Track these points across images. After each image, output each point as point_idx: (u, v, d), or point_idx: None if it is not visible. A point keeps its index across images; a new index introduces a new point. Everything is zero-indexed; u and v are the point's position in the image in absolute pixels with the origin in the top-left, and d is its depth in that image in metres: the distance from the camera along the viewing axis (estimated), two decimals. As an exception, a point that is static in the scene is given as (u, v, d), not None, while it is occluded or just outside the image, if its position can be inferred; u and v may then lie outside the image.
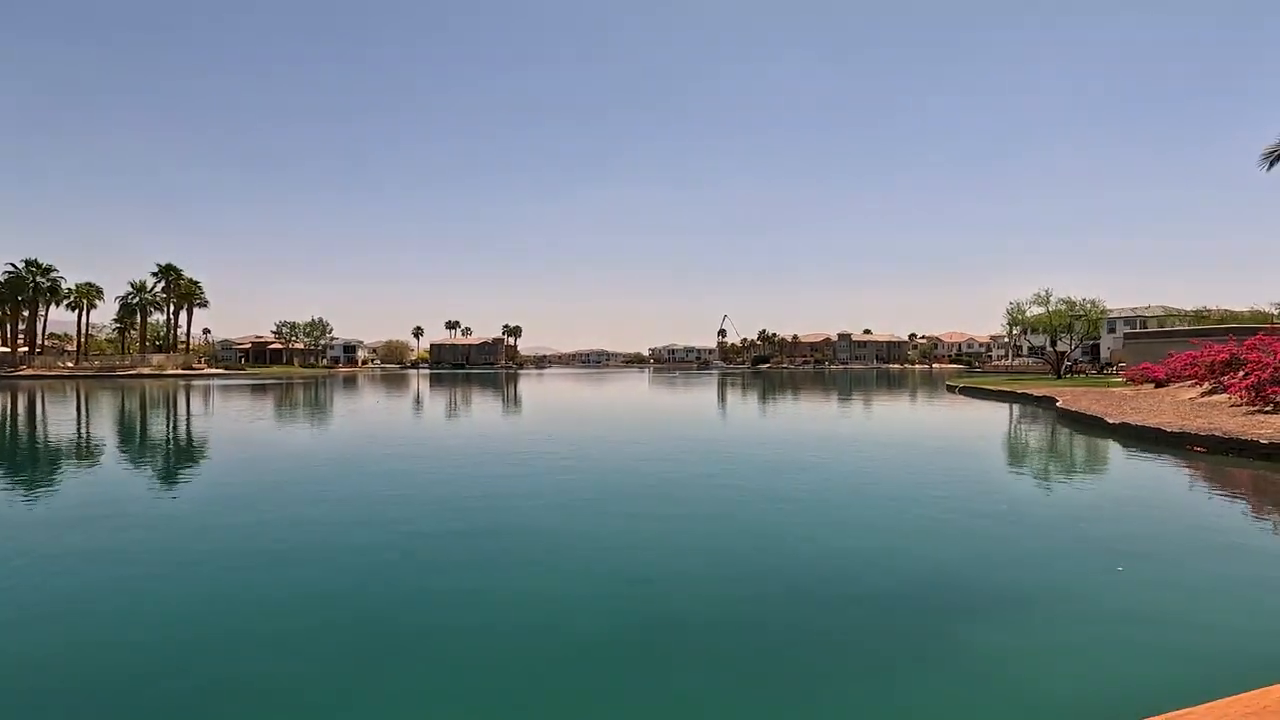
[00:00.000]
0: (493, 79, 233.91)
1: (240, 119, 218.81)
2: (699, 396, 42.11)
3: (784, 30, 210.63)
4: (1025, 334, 62.85)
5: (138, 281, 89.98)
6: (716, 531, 8.31)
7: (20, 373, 68.93)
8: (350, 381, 66.94)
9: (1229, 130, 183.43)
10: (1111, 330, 69.18)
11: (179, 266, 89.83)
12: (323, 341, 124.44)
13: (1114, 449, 15.28)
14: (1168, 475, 12.31)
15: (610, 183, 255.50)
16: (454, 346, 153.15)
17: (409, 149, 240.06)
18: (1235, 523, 8.75)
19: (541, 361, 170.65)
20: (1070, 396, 26.31)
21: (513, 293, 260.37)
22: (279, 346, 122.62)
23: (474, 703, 4.18)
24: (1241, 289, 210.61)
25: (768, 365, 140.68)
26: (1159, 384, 27.75)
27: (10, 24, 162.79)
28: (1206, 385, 22.25)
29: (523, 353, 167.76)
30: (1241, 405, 17.75)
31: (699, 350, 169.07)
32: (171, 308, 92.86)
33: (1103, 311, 51.57)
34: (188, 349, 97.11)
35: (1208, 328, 37.19)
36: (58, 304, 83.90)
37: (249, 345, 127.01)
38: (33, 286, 78.86)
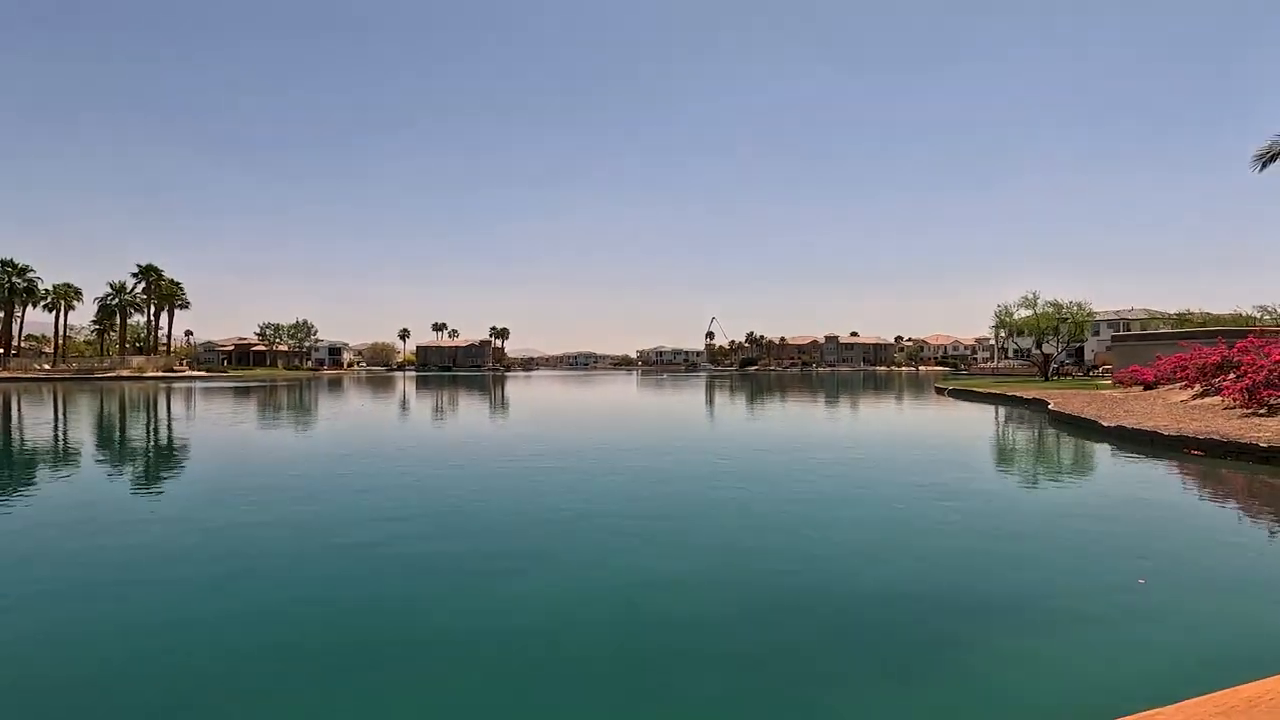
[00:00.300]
0: (483, 81, 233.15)
1: (225, 119, 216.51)
2: (688, 399, 41.83)
3: (776, 35, 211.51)
4: (1012, 336, 63.20)
5: (117, 283, 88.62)
6: (716, 538, 7.99)
7: (-5, 375, 67.43)
8: (335, 384, 66.10)
9: (1213, 132, 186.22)
10: (1095, 333, 69.78)
11: (159, 267, 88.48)
12: (307, 344, 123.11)
13: (1111, 453, 15.12)
14: (1170, 480, 12.16)
15: (599, 185, 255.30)
16: (440, 349, 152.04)
17: (398, 150, 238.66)
18: (1247, 529, 8.55)
19: (529, 364, 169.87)
20: (1061, 399, 26.28)
21: (500, 295, 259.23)
22: (263, 348, 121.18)
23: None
24: (1222, 291, 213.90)
25: (755, 368, 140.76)
26: (1148, 386, 27.82)
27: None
28: (1198, 388, 22.26)
29: (510, 355, 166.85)
30: (1235, 408, 17.71)
31: (687, 353, 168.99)
32: (152, 309, 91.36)
33: (1089, 314, 51.87)
34: (168, 351, 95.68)
35: (1196, 330, 37.43)
36: (34, 305, 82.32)
37: (232, 347, 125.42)
38: (8, 287, 77.22)
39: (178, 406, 33.62)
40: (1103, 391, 30.32)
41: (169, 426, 23.93)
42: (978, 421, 25.33)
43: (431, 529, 8.46)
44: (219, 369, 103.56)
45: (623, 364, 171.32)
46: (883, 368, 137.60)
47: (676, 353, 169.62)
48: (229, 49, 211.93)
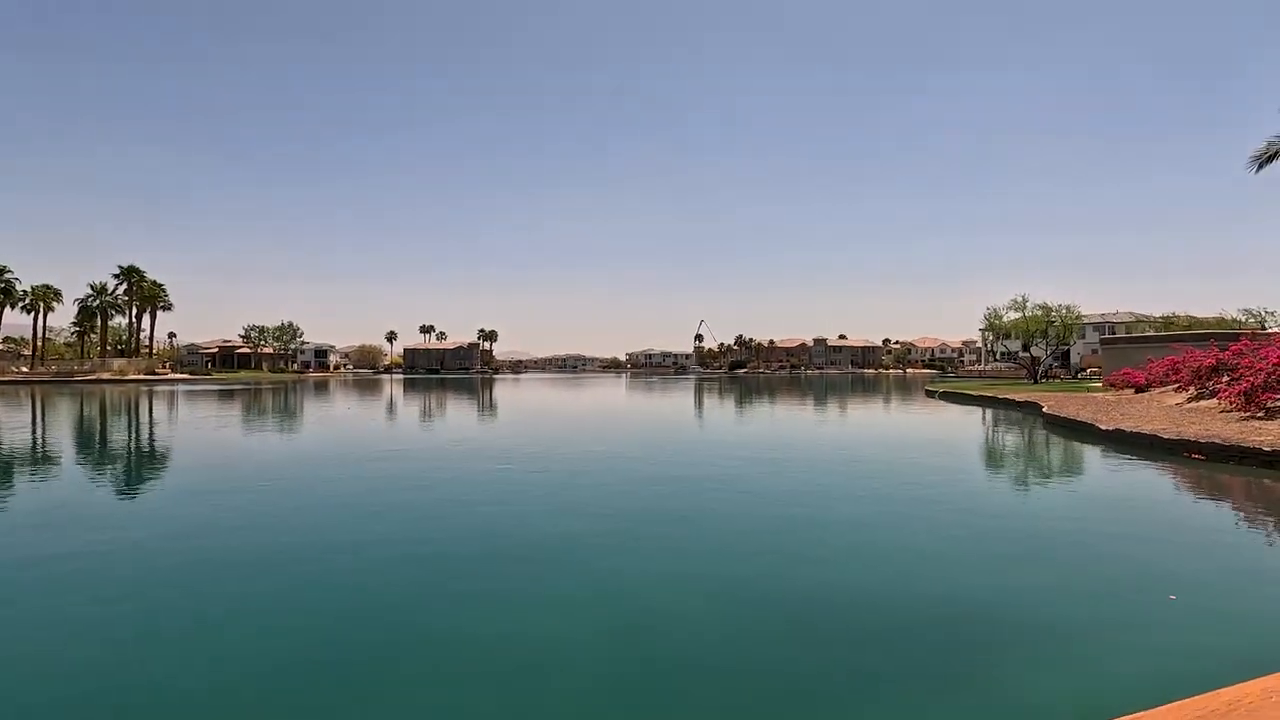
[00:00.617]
0: (473, 80, 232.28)
1: (211, 119, 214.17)
2: (679, 402, 41.52)
3: (767, 36, 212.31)
4: (1000, 339, 63.47)
5: (98, 284, 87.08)
6: (714, 549, 7.66)
7: (-29, 378, 65.96)
8: (321, 387, 65.24)
9: (1200, 134, 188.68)
10: (1082, 336, 70.28)
11: (141, 268, 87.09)
12: (293, 346, 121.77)
13: (1112, 457, 14.94)
14: (1178, 485, 11.98)
15: (588, 187, 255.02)
16: (428, 351, 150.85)
17: (385, 151, 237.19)
18: (1271, 535, 8.35)
19: (518, 366, 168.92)
20: (1055, 402, 26.22)
21: (488, 297, 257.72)
22: (247, 351, 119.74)
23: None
24: (1200, 294, 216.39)
25: (744, 370, 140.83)
26: (1139, 389, 27.83)
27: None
28: (1192, 391, 22.23)
29: (498, 357, 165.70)
30: (1232, 411, 17.63)
31: (676, 355, 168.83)
32: (134, 311, 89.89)
33: (1077, 317, 52.18)
34: (150, 353, 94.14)
35: (1185, 334, 37.60)
36: (12, 306, 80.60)
37: (216, 350, 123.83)
38: (-16, 288, 75.73)
39: (157, 410, 32.89)
40: (1095, 394, 30.35)
41: (146, 431, 23.30)
42: (972, 425, 25.20)
43: (413, 538, 8.07)
44: (202, 372, 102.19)
45: (612, 366, 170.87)
46: (871, 370, 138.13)
47: (665, 355, 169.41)
48: (217, 48, 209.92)
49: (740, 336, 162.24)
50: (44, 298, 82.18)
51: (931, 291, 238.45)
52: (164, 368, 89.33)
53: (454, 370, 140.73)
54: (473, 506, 10.13)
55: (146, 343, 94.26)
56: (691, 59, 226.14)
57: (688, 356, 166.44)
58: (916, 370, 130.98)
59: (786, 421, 27.07)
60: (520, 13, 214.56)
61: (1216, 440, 13.88)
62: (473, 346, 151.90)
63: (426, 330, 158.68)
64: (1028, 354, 53.86)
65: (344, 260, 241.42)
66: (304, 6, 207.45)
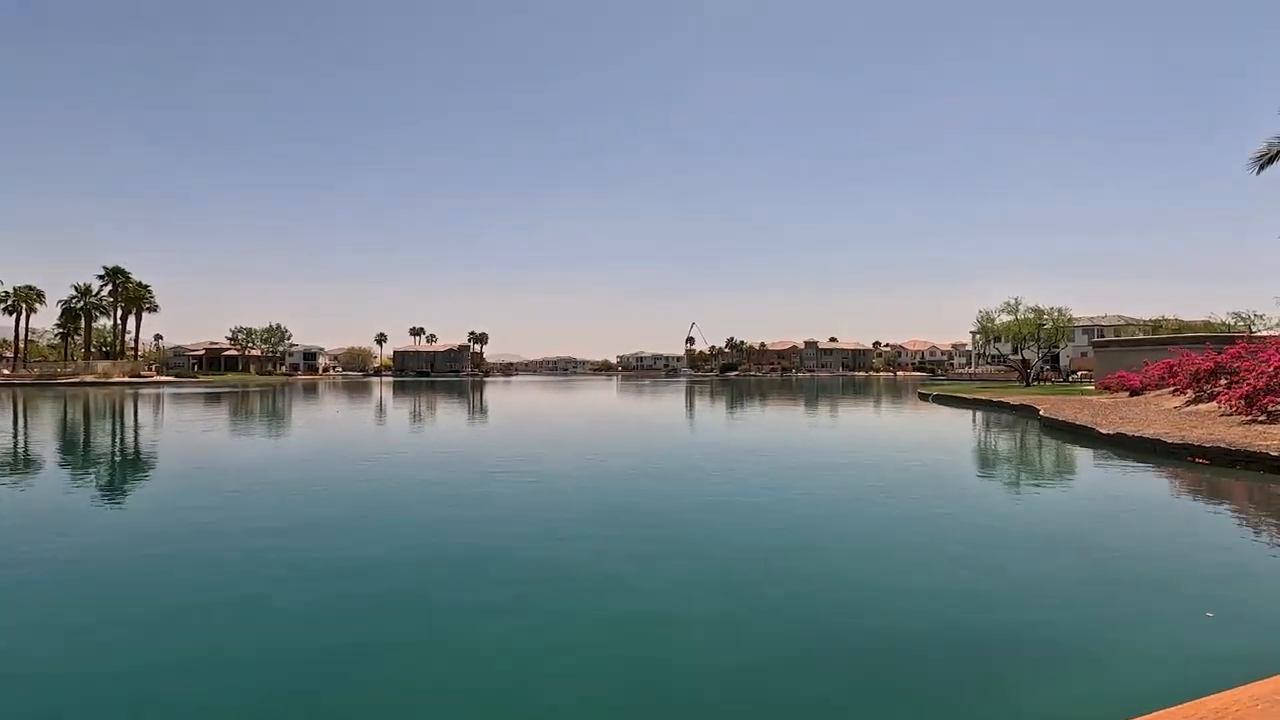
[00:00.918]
0: (464, 84, 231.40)
1: (200, 118, 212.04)
2: (670, 404, 41.24)
3: (759, 38, 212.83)
4: (991, 342, 63.63)
5: (82, 285, 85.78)
6: (713, 559, 7.35)
7: (-50, 380, 64.78)
8: (310, 389, 64.51)
9: (1200, 135, 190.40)
10: (1071, 339, 70.60)
11: (127, 269, 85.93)
12: (281, 348, 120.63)
13: (1116, 462, 14.75)
14: (1184, 490, 11.79)
15: (580, 189, 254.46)
16: (418, 354, 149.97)
17: (376, 153, 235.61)
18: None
19: (509, 369, 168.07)
20: (1050, 405, 26.08)
21: (479, 300, 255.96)
22: (235, 353, 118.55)
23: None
24: (1201, 296, 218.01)
25: (735, 373, 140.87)
26: (1134, 392, 27.81)
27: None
28: (1189, 394, 22.16)
29: (489, 360, 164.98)
30: (1232, 415, 17.53)
31: (667, 358, 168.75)
32: (119, 312, 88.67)
33: (1069, 320, 52.37)
34: (136, 355, 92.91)
35: (1179, 336, 37.72)
36: (-6, 308, 79.47)
37: (203, 352, 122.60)
38: (-35, 289, 74.48)
39: (142, 413, 32.24)
40: (1090, 397, 30.29)
41: (125, 434, 22.75)
42: (968, 429, 25.03)
43: (396, 557, 7.71)
44: (189, 374, 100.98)
45: (603, 369, 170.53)
46: (861, 373, 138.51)
47: (657, 358, 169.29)
48: (207, 45, 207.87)
49: (731, 339, 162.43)
50: (26, 299, 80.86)
51: (930, 292, 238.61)
52: (149, 370, 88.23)
53: (444, 373, 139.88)
54: (460, 513, 9.77)
55: (132, 345, 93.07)
56: (686, 58, 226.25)
57: (679, 359, 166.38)
58: (907, 373, 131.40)
59: (779, 426, 26.82)
60: (514, 11, 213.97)
61: (1222, 444, 13.71)
62: (463, 349, 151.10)
63: (417, 333, 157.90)
64: (1019, 357, 53.98)
65: (334, 262, 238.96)
66: (304, 6, 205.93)
